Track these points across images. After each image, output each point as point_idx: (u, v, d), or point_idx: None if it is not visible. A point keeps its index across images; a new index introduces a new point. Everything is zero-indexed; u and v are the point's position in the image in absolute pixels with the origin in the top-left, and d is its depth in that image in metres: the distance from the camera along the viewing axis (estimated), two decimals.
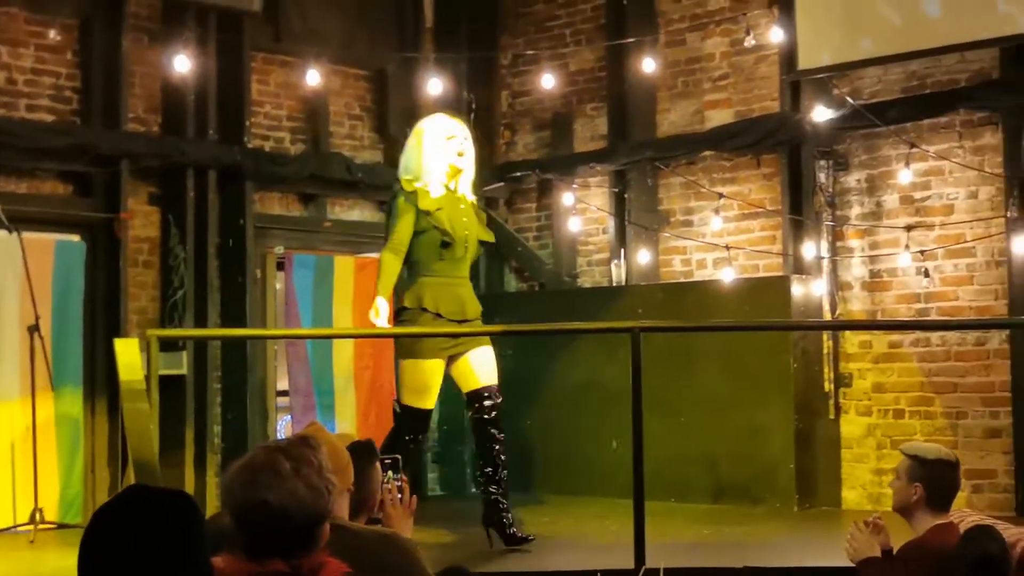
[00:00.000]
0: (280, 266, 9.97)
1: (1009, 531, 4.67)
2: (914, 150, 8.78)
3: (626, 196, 10.15)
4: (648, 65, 9.77)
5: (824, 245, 9.27)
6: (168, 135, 9.33)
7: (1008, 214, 8.46)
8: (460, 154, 7.40)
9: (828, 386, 9.19)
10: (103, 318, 8.89)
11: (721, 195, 9.56)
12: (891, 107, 8.91)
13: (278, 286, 10.07)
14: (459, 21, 10.87)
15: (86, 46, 9.07)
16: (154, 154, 9.15)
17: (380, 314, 7.12)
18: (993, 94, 8.53)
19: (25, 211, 8.59)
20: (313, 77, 9.56)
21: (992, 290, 8.62)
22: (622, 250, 10.15)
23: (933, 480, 4.78)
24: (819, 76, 9.15)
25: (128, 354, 6.08)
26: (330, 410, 9.87)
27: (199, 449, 9.12)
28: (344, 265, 10.10)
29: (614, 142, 10.26)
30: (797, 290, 9.08)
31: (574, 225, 10.38)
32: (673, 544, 7.16)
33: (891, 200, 9.08)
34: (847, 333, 9.31)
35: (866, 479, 9.09)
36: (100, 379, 8.78)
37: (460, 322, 7.26)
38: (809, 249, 9.22)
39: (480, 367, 7.30)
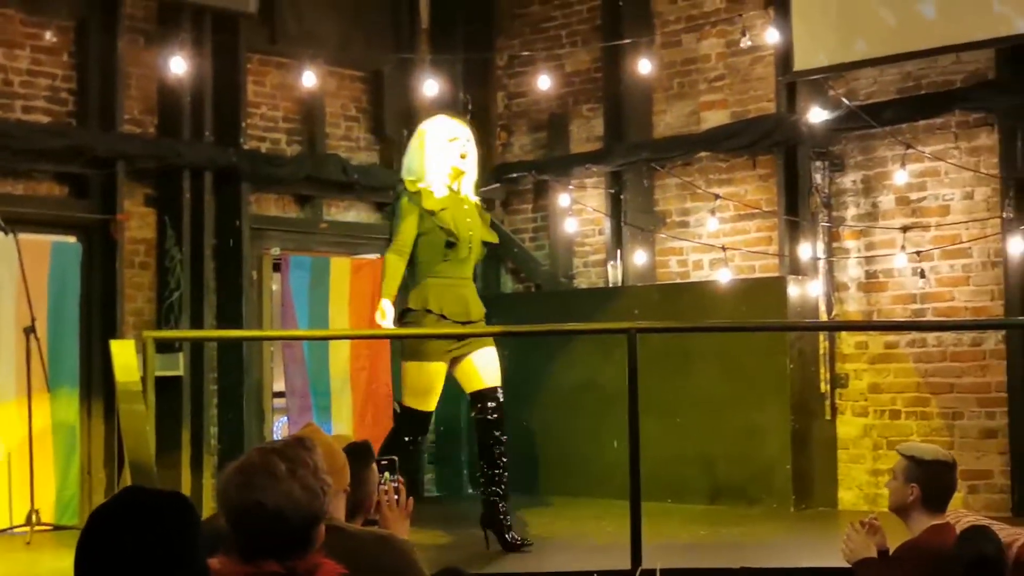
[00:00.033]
0: (276, 267, 9.97)
1: (1005, 531, 4.67)
2: (910, 151, 8.79)
3: (622, 197, 10.15)
4: (644, 66, 9.77)
5: (820, 246, 9.27)
6: (164, 137, 9.33)
7: (1004, 215, 8.47)
8: (463, 156, 7.40)
9: (824, 387, 9.20)
10: (99, 319, 8.89)
11: (717, 196, 9.56)
12: (887, 108, 8.92)
13: (274, 287, 10.07)
14: (455, 22, 10.87)
15: (82, 47, 9.06)
16: (150, 156, 9.14)
17: (386, 316, 7.12)
18: (989, 95, 8.54)
19: (21, 212, 8.60)
20: (309, 78, 9.56)
21: (988, 291, 8.62)
22: (618, 251, 10.15)
23: (930, 481, 4.79)
24: (815, 77, 9.15)
25: (124, 355, 6.08)
26: (326, 411, 9.86)
27: (195, 450, 9.12)
28: (340, 266, 10.09)
29: (610, 143, 10.27)
30: (793, 291, 9.09)
31: (570, 226, 10.38)
32: (670, 545, 7.16)
33: (887, 201, 9.09)
34: (843, 334, 9.32)
35: (862, 480, 9.09)
36: (96, 380, 8.77)
37: (464, 323, 7.26)
38: (805, 250, 9.22)
39: (484, 368, 7.30)
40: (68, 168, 8.91)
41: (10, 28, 8.79)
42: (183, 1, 9.28)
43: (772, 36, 9.28)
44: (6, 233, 8.12)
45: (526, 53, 10.76)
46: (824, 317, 9.19)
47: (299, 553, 2.99)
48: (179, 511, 2.63)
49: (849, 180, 9.28)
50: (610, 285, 10.17)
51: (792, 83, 9.32)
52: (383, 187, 10.45)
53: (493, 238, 7.65)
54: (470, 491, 10.30)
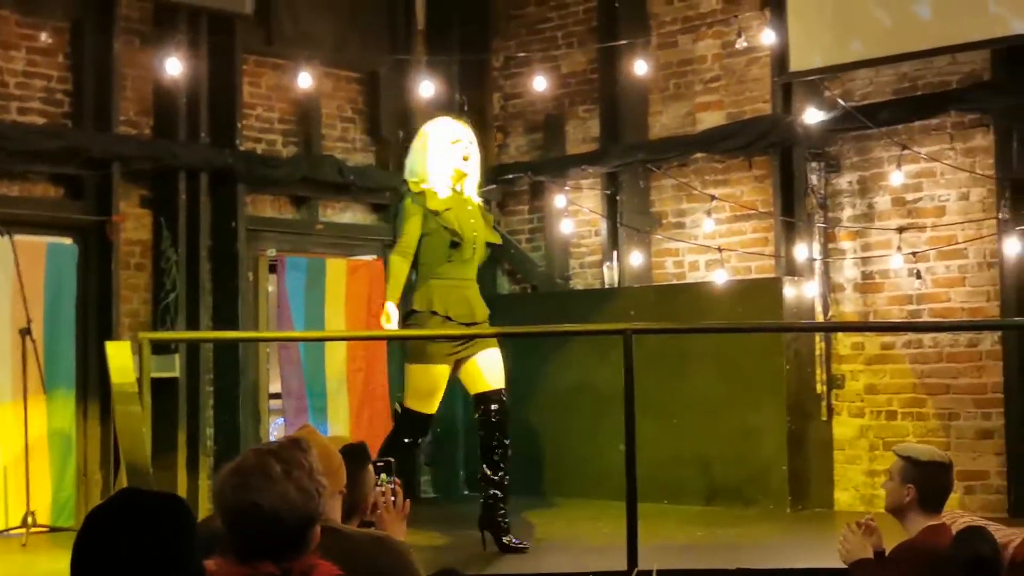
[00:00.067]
0: (272, 269, 9.97)
1: (1001, 532, 4.67)
2: (905, 152, 8.80)
3: (618, 198, 10.16)
4: (640, 67, 9.76)
5: (816, 247, 9.27)
6: (160, 138, 9.33)
7: (999, 216, 8.47)
8: (465, 158, 7.41)
9: (820, 388, 9.20)
10: (95, 321, 8.88)
11: (713, 197, 9.56)
12: (882, 109, 8.92)
13: (270, 288, 10.07)
14: (451, 23, 10.87)
15: (77, 49, 9.06)
16: (146, 157, 9.14)
17: (391, 319, 7.12)
18: (984, 96, 8.54)
19: (17, 214, 8.60)
20: (305, 80, 9.55)
21: (984, 291, 8.63)
22: (614, 252, 10.15)
23: (926, 481, 4.79)
24: (810, 78, 9.15)
25: (120, 357, 6.08)
26: (323, 413, 9.86)
27: (191, 452, 9.11)
28: (336, 267, 10.09)
29: (606, 144, 10.27)
30: (789, 292, 9.09)
31: (566, 227, 10.38)
32: (666, 546, 7.16)
33: (883, 202, 9.09)
34: (839, 335, 9.32)
35: (859, 480, 9.09)
36: (92, 382, 8.77)
37: (469, 325, 7.26)
38: (801, 251, 9.23)
39: (488, 369, 7.30)
40: (64, 169, 8.90)
41: (5, 29, 8.78)
42: (179, 2, 9.27)
43: (768, 37, 9.28)
44: (1, 235, 8.12)
45: (522, 54, 10.77)
46: (820, 318, 9.20)
47: (295, 554, 2.99)
48: (175, 513, 2.63)
49: (845, 181, 9.29)
50: (606, 286, 10.18)
51: (788, 84, 9.32)
52: (379, 188, 10.46)
53: (496, 239, 7.66)
54: (466, 492, 10.30)
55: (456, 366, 7.30)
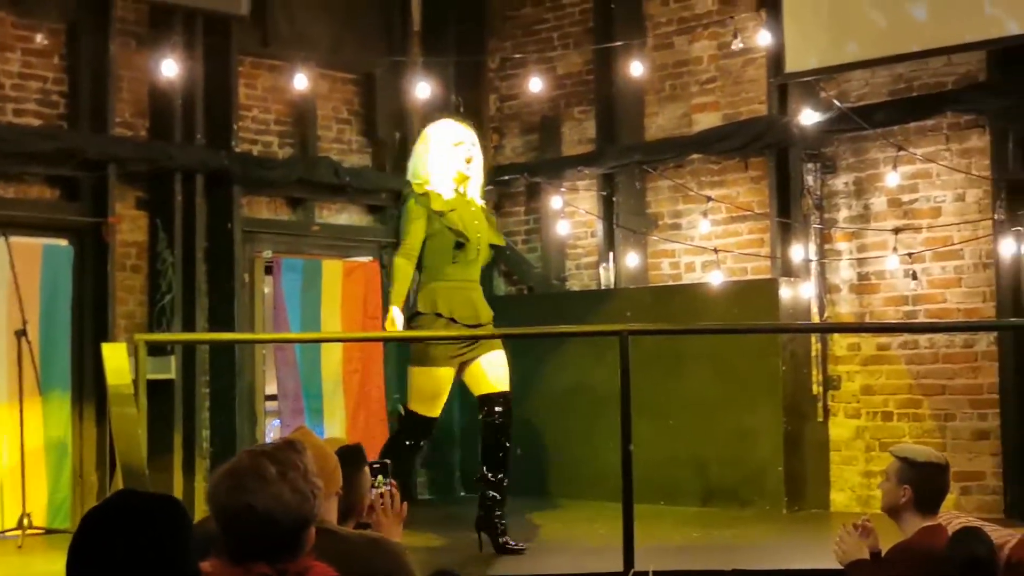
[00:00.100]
0: (268, 270, 9.96)
1: (997, 533, 4.68)
2: (901, 153, 8.80)
3: (614, 199, 10.16)
4: (636, 68, 9.77)
5: (812, 248, 9.28)
6: (156, 139, 9.32)
7: (995, 216, 8.48)
8: (468, 160, 7.40)
9: (816, 388, 9.20)
10: (91, 322, 8.87)
11: (709, 198, 9.57)
12: (878, 110, 8.93)
13: (266, 290, 10.06)
14: (447, 25, 10.87)
15: (73, 50, 9.05)
16: (141, 158, 9.13)
17: (396, 325, 7.10)
18: (980, 97, 8.55)
19: (12, 215, 8.60)
20: (301, 81, 9.55)
21: (980, 292, 8.64)
22: (610, 253, 10.15)
23: (922, 483, 4.79)
24: (806, 79, 9.16)
25: (116, 358, 6.07)
26: (319, 414, 9.85)
27: (187, 453, 9.10)
28: (332, 269, 10.09)
29: (602, 145, 10.27)
30: (785, 293, 9.09)
31: (562, 228, 10.38)
32: (662, 547, 7.16)
33: (879, 203, 9.10)
34: (835, 336, 9.32)
35: (855, 481, 9.10)
36: (88, 384, 8.76)
37: (474, 327, 7.24)
38: (797, 252, 9.23)
39: (492, 371, 7.29)
40: (59, 171, 8.90)
41: (1, 30, 8.78)
42: (175, 4, 9.26)
43: (764, 38, 9.29)
44: None
45: (518, 55, 10.77)
46: (816, 319, 9.20)
47: (289, 556, 2.99)
48: (171, 514, 2.63)
49: (841, 182, 9.29)
50: (602, 287, 10.18)
51: (784, 85, 9.33)
52: (375, 190, 10.46)
53: (500, 241, 7.67)
54: (463, 493, 10.30)
55: (461, 368, 7.29)
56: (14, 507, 8.11)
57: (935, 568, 4.49)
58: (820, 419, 9.20)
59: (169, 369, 9.03)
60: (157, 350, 8.85)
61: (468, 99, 10.90)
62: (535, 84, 10.04)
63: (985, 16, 8.28)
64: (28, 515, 8.02)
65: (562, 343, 9.82)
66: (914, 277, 8.74)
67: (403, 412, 7.40)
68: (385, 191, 10.43)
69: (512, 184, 10.82)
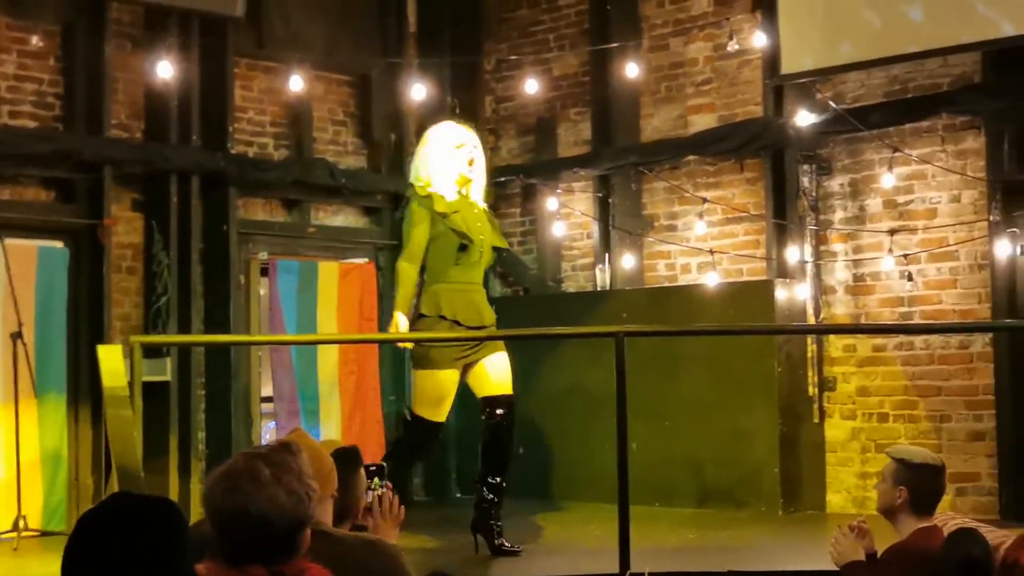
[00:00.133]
0: (264, 272, 9.96)
1: (992, 534, 4.68)
2: (897, 154, 8.81)
3: (610, 201, 10.16)
4: (631, 70, 9.77)
5: (808, 249, 9.28)
6: (151, 141, 9.32)
7: (990, 218, 8.49)
8: (470, 163, 7.40)
9: (812, 390, 9.20)
10: (86, 324, 8.86)
11: (705, 200, 9.57)
12: (874, 111, 8.94)
13: (262, 292, 10.06)
14: (442, 26, 10.87)
15: (69, 52, 9.05)
16: (137, 160, 9.13)
17: (400, 330, 7.09)
18: (975, 98, 8.56)
19: (8, 217, 8.59)
20: (296, 82, 9.55)
21: (975, 293, 8.64)
22: (606, 255, 10.15)
23: (918, 484, 4.79)
24: (802, 80, 9.16)
25: (111, 360, 6.07)
26: (315, 416, 9.85)
27: (183, 456, 9.10)
28: (328, 271, 10.09)
29: (598, 147, 10.27)
30: (781, 294, 9.09)
31: (558, 230, 10.38)
32: (658, 548, 7.17)
33: (874, 204, 9.10)
34: (831, 337, 9.32)
35: (850, 483, 9.10)
36: (83, 386, 8.75)
37: (477, 329, 7.23)
38: (793, 253, 9.23)
39: (496, 373, 7.29)
40: (55, 173, 8.89)
41: None
42: (170, 5, 9.26)
43: (759, 40, 9.29)
44: None
45: (514, 57, 10.77)
46: (812, 320, 9.21)
47: (284, 558, 2.99)
48: (166, 516, 2.63)
49: (836, 183, 9.30)
50: (598, 289, 10.18)
51: (779, 86, 9.33)
52: (371, 191, 10.46)
53: (504, 243, 7.68)
54: (458, 495, 10.30)
55: (464, 371, 7.28)
56: (9, 509, 8.10)
57: (931, 569, 4.49)
58: (816, 420, 9.21)
59: (165, 371, 9.03)
60: (153, 352, 8.85)
61: (464, 101, 10.90)
62: (531, 86, 10.05)
63: (980, 17, 8.29)
64: (23, 517, 8.01)
65: (558, 345, 9.82)
66: (910, 278, 8.75)
67: (409, 417, 7.37)
68: (381, 193, 10.43)
69: (508, 186, 10.82)
